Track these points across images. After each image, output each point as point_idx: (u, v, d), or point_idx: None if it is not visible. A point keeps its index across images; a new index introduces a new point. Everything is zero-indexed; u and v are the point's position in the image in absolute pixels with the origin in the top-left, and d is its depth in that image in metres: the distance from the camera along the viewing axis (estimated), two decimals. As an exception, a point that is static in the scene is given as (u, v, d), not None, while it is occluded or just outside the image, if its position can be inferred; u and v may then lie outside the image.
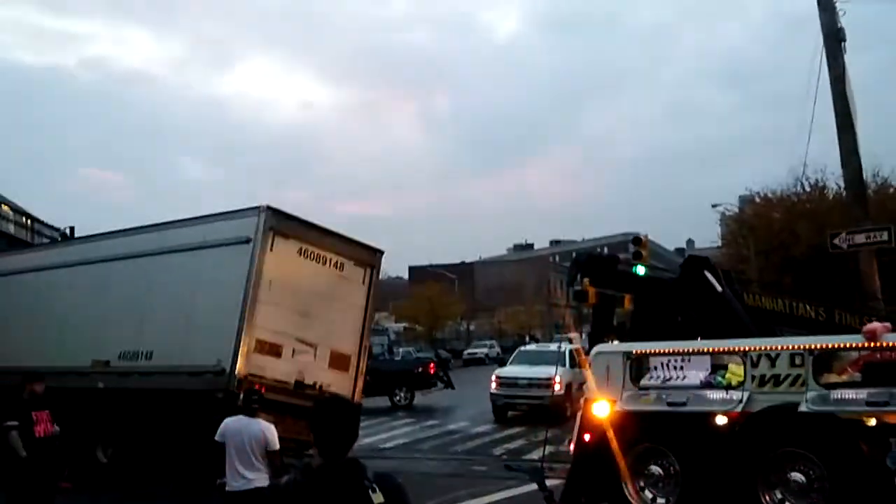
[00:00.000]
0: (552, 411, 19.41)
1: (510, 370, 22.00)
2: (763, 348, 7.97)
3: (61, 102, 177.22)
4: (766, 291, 13.20)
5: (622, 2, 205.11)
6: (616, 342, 10.07)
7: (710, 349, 8.69)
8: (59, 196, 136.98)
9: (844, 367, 8.06)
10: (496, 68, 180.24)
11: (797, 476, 7.53)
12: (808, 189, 26.15)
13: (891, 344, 7.46)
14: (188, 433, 10.25)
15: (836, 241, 13.83)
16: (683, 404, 8.26)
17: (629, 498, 8.49)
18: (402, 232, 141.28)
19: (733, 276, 11.87)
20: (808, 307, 10.52)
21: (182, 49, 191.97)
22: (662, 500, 8.43)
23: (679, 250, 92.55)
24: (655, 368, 8.84)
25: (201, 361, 10.94)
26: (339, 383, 11.75)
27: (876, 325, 7.66)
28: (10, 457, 8.22)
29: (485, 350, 55.63)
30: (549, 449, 10.97)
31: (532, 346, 29.26)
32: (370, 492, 2.86)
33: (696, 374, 8.61)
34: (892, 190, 24.65)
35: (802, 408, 7.46)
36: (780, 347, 7.91)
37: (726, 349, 8.51)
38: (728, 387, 8.19)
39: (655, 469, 8.45)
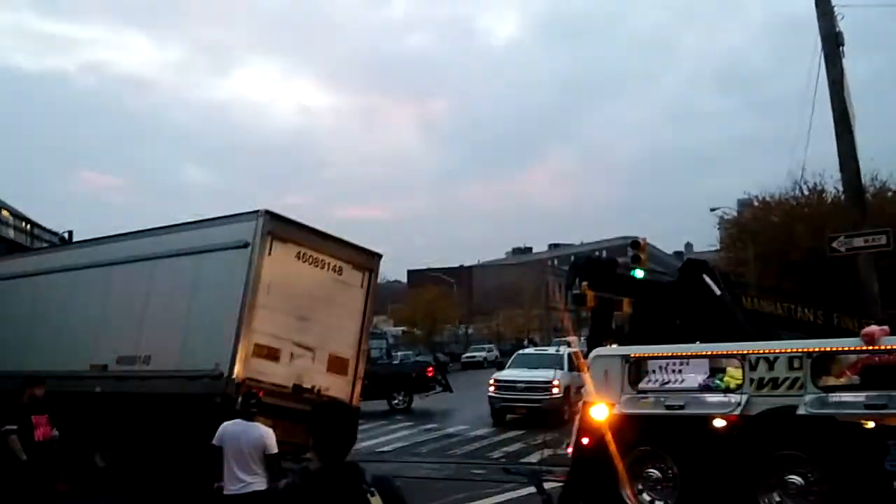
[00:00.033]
0: (551, 415, 19.48)
1: (508, 373, 21.99)
2: (761, 351, 7.99)
3: (61, 107, 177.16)
4: (764, 295, 13.18)
5: (621, 5, 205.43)
6: (614, 345, 10.07)
7: (709, 352, 8.71)
8: (58, 200, 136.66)
9: (843, 371, 8.09)
10: (495, 72, 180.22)
11: (795, 479, 7.55)
12: (806, 193, 26.12)
13: (889, 347, 7.48)
14: (186, 437, 10.22)
15: (835, 244, 13.83)
16: (682, 407, 8.28)
17: (627, 501, 8.51)
18: (400, 235, 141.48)
19: (732, 280, 11.87)
20: (806, 311, 10.54)
21: (181, 54, 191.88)
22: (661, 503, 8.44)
23: (678, 254, 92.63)
24: (654, 372, 8.86)
25: (199, 365, 10.92)
26: (338, 387, 11.73)
27: (874, 328, 7.68)
28: (9, 460, 8.22)
29: (483, 353, 55.42)
30: (547, 452, 10.97)
31: (530, 350, 29.25)
32: (368, 495, 2.86)
33: (694, 377, 8.65)
34: (890, 194, 24.63)
35: (801, 411, 7.48)
36: (778, 351, 7.92)
37: (725, 352, 8.53)
38: (726, 390, 8.22)
39: (654, 472, 8.48)
